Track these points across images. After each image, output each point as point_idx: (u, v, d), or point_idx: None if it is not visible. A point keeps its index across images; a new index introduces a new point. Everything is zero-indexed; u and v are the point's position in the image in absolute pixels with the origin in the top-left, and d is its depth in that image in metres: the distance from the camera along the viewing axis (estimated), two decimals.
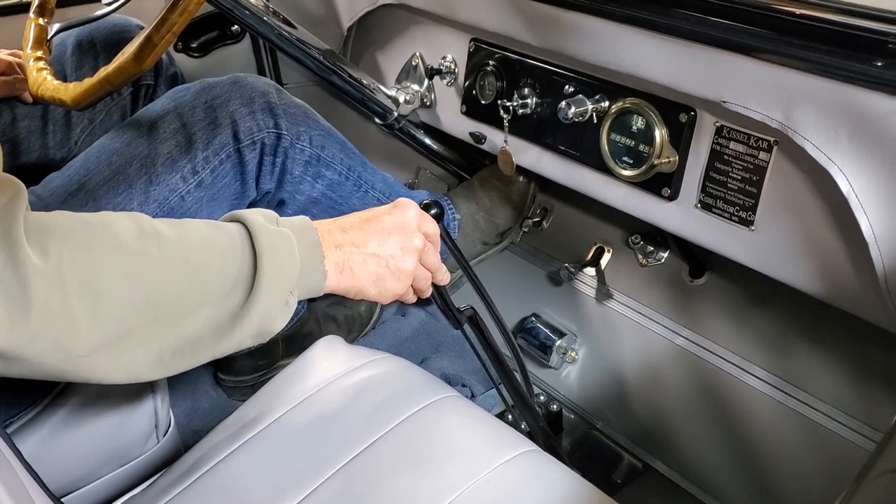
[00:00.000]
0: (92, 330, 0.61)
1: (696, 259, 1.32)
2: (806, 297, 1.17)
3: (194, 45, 1.51)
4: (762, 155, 0.96)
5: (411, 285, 0.86)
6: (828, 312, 1.15)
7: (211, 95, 1.10)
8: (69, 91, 1.03)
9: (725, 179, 1.01)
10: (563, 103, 1.10)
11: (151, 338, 0.65)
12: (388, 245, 0.82)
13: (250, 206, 1.18)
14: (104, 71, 0.99)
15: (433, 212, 0.94)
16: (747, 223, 0.99)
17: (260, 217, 0.73)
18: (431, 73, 1.35)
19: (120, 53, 0.98)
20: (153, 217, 0.69)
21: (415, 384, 0.93)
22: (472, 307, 1.01)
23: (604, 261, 1.45)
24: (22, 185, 0.62)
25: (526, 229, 1.55)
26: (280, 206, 1.21)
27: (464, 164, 1.58)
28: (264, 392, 0.95)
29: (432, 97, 1.39)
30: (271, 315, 0.71)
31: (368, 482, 0.79)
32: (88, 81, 1.01)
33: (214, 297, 0.67)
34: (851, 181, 0.84)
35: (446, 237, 0.97)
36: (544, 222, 1.54)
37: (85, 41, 1.27)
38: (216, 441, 0.90)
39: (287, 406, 0.90)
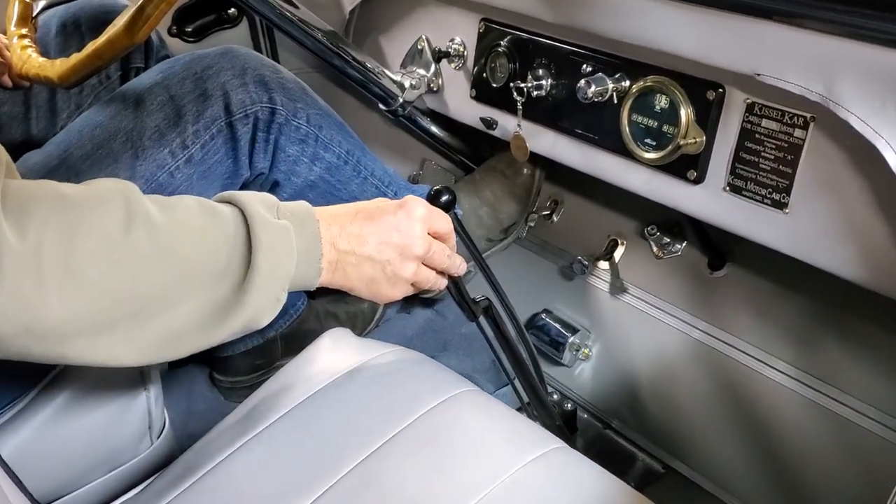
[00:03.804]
0: (68, 319, 0.58)
1: (717, 250, 1.27)
2: (833, 288, 1.12)
3: (189, 30, 1.44)
4: (797, 132, 0.91)
5: (415, 285, 0.83)
6: (856, 303, 1.11)
7: (201, 66, 1.04)
8: (56, 68, 0.97)
9: (757, 160, 0.95)
10: (583, 82, 1.05)
11: (132, 331, 0.62)
12: (387, 250, 0.78)
13: (243, 187, 1.11)
14: (93, 45, 0.93)
15: (444, 198, 0.89)
16: (781, 206, 0.94)
17: (259, 207, 0.69)
18: (439, 56, 1.30)
19: (111, 25, 0.92)
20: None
21: (430, 378, 0.87)
22: (487, 298, 0.96)
23: (618, 254, 1.39)
24: (4, 154, 0.57)
25: (532, 223, 1.50)
26: (274, 189, 1.15)
27: (472, 154, 1.52)
28: (267, 388, 0.89)
29: (439, 82, 1.33)
30: (261, 311, 0.69)
31: (384, 483, 0.73)
32: (76, 57, 0.95)
33: (201, 291, 0.64)
34: None
35: (458, 226, 0.91)
36: (554, 215, 1.49)
37: (69, 22, 1.21)
38: (216, 440, 0.83)
39: (293, 402, 0.84)
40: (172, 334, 0.64)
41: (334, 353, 0.91)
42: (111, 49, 0.92)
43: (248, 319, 0.68)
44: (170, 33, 1.43)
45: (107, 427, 0.95)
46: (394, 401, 0.82)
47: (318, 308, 1.42)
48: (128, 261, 0.60)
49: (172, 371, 1.40)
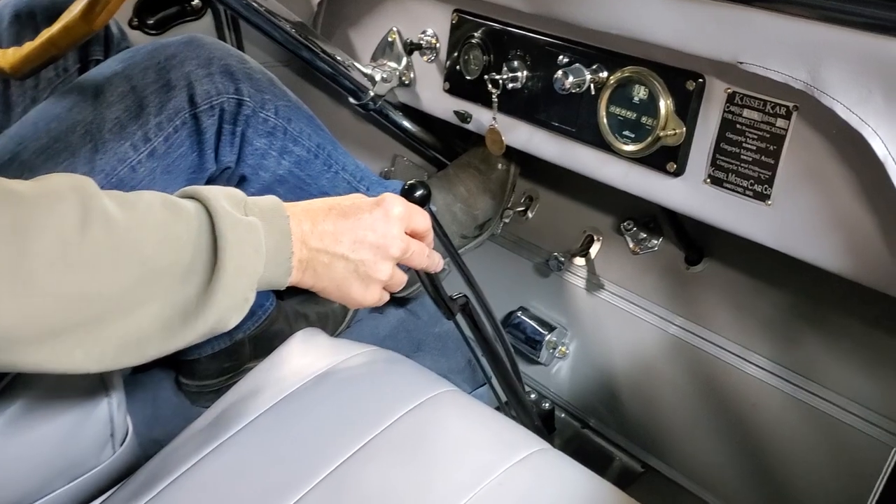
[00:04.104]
0: (19, 325, 0.54)
1: (693, 245, 1.25)
2: (811, 282, 1.11)
3: (151, 22, 1.39)
4: (780, 122, 0.89)
5: (387, 288, 0.80)
6: (835, 296, 1.10)
7: (164, 56, 0.99)
8: (7, 57, 0.92)
9: (738, 151, 0.93)
10: (560, 73, 1.02)
11: (90, 336, 0.58)
12: (362, 249, 0.75)
13: (209, 181, 1.07)
14: (48, 32, 0.88)
15: (419, 193, 0.86)
16: (763, 197, 0.92)
17: (225, 202, 0.66)
18: (410, 48, 1.26)
19: (66, 12, 0.88)
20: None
21: (408, 378, 0.84)
22: (465, 295, 0.93)
23: (594, 250, 1.37)
24: None
25: (507, 220, 1.47)
26: (242, 184, 1.10)
27: (444, 149, 1.49)
28: (236, 391, 0.85)
29: (411, 75, 1.30)
30: (228, 312, 0.65)
31: (362, 490, 0.70)
32: (30, 45, 0.90)
33: (164, 292, 0.61)
34: (888, 144, 0.76)
35: (433, 221, 0.88)
36: (529, 211, 1.46)
37: (23, 12, 1.15)
38: (182, 447, 0.79)
39: (263, 406, 0.80)
40: (134, 339, 0.60)
41: (306, 354, 0.87)
42: (67, 37, 0.88)
43: (214, 322, 0.64)
44: (130, 25, 1.37)
45: (66, 436, 0.90)
46: (370, 403, 0.79)
47: (288, 309, 1.38)
48: (84, 261, 0.56)
49: (136, 375, 1.36)
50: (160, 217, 0.62)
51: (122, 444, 1.00)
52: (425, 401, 0.78)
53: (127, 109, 0.96)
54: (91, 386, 0.93)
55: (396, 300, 1.46)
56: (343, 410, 0.78)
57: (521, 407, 1.08)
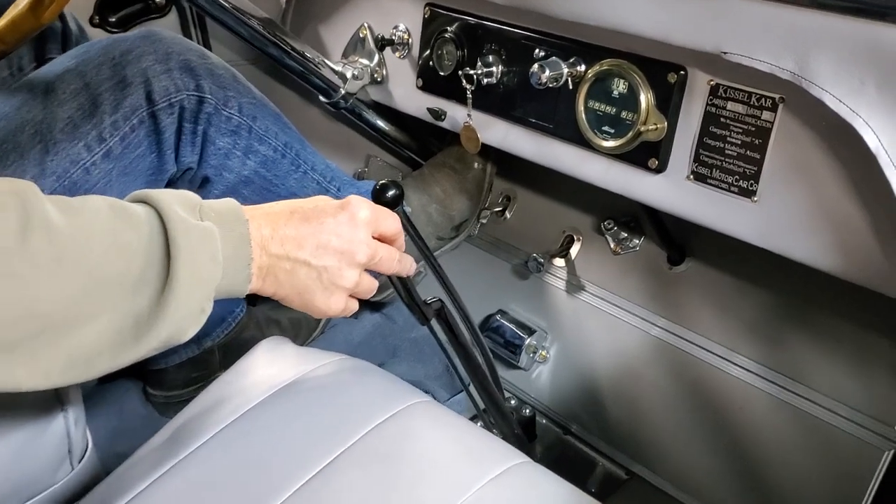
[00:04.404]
0: None
1: (675, 244, 1.22)
2: (796, 280, 1.08)
3: (113, 20, 1.34)
4: (765, 115, 0.86)
5: (354, 295, 0.76)
6: (821, 295, 1.08)
7: (119, 51, 0.95)
8: None
9: (722, 145, 0.90)
10: (536, 66, 0.99)
11: (35, 352, 0.55)
12: (325, 255, 0.71)
13: (169, 184, 1.03)
14: None
15: (391, 193, 0.81)
16: (749, 194, 0.89)
17: (178, 206, 0.62)
18: (382, 44, 1.23)
19: (13, 6, 0.83)
20: (51, 193, 0.58)
21: (379, 389, 0.79)
22: (440, 299, 0.89)
23: (574, 250, 1.34)
24: None
25: (484, 220, 1.44)
26: (205, 186, 1.06)
27: (419, 148, 1.45)
28: (197, 404, 0.80)
29: (384, 72, 1.26)
30: (183, 324, 0.62)
31: None
32: None
33: (113, 304, 0.58)
34: (880, 135, 0.74)
35: (407, 223, 0.84)
36: (507, 211, 1.43)
37: None
38: (138, 465, 0.75)
39: (227, 419, 0.76)
40: (83, 354, 0.57)
41: (271, 364, 0.83)
42: (14, 31, 0.83)
43: (168, 334, 0.61)
44: (92, 23, 1.33)
45: (17, 454, 0.85)
46: (338, 415, 0.75)
47: (259, 315, 1.34)
48: (25, 272, 0.53)
49: (101, 386, 1.31)
50: (108, 223, 0.58)
51: (80, 461, 0.95)
52: (397, 412, 0.74)
53: (80, 108, 0.92)
54: (45, 399, 0.87)
55: (371, 305, 1.42)
56: (310, 423, 0.74)
57: (501, 414, 1.04)
